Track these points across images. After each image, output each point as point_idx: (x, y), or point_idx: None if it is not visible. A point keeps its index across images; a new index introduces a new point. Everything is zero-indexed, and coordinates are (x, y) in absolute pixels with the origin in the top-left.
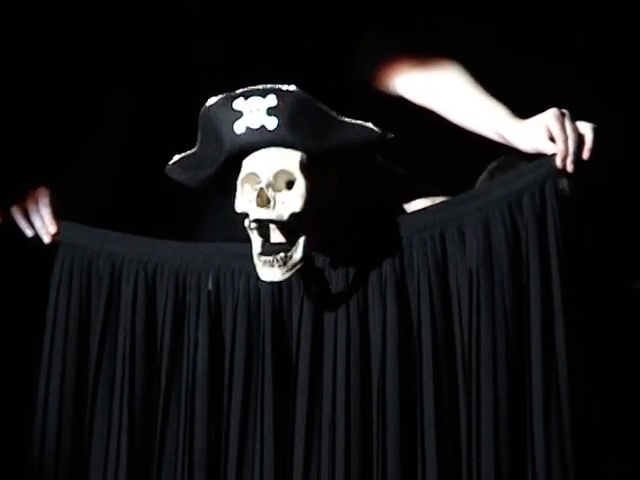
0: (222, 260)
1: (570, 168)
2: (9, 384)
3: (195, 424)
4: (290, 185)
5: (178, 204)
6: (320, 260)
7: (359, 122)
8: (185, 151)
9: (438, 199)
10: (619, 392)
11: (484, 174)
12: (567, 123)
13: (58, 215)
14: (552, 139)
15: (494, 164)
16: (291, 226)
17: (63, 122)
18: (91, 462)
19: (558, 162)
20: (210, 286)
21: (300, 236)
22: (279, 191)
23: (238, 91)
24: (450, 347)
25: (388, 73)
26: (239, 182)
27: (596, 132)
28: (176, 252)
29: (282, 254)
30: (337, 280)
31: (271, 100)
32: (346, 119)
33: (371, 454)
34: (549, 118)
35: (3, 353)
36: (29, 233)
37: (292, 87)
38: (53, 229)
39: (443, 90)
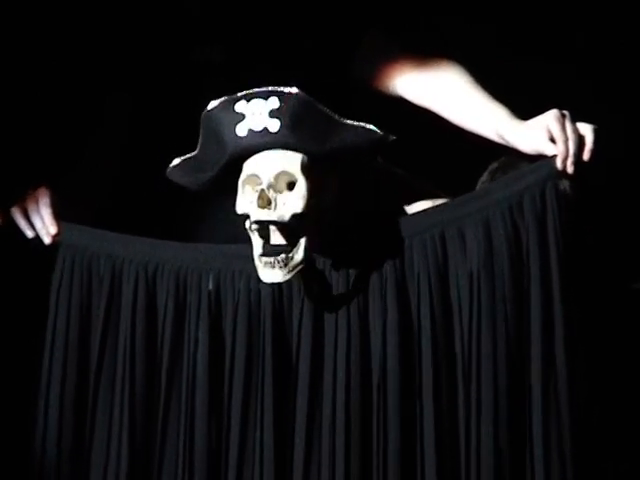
0: (223, 261)
1: (571, 169)
2: (10, 385)
3: (195, 424)
4: (291, 186)
5: (178, 204)
6: (321, 261)
7: (361, 124)
8: (185, 152)
9: (439, 200)
10: (619, 392)
11: (485, 175)
12: (567, 124)
13: (59, 216)
14: (552, 140)
15: (495, 165)
16: (292, 227)
17: (63, 122)
18: (92, 461)
19: (559, 163)
20: (210, 287)
21: (301, 237)
22: (280, 192)
23: (240, 94)
24: (450, 348)
25: (388, 73)
26: (240, 184)
27: (596, 133)
28: (176, 253)
29: (283, 255)
30: (337, 281)
31: (273, 102)
32: (348, 121)
33: (371, 455)
34: (549, 119)
35: (4, 354)
36: (29, 234)
37: (294, 89)
38: (54, 230)
39: (443, 91)
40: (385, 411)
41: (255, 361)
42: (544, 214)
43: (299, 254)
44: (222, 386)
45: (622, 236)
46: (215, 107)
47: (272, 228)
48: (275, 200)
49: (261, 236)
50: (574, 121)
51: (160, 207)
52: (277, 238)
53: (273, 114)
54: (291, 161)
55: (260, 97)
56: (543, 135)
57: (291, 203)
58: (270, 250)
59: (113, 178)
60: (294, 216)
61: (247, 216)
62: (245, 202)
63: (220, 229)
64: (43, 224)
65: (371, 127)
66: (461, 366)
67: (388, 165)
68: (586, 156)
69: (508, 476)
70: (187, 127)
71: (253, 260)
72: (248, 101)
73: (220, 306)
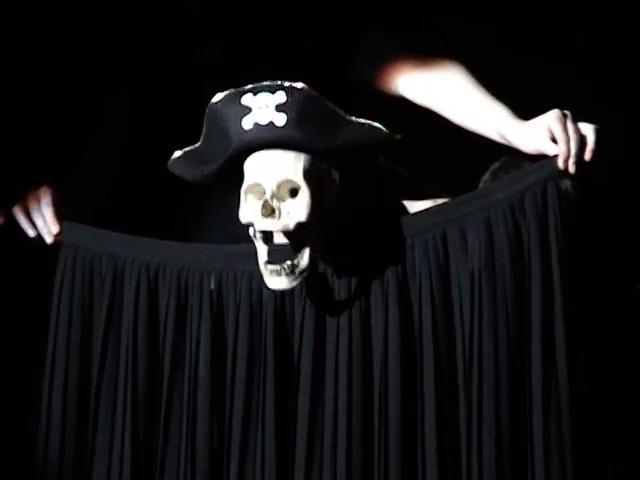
0: (224, 261)
1: (572, 169)
2: (12, 385)
3: (197, 424)
4: (294, 193)
5: (178, 204)
6: (322, 261)
7: (367, 122)
8: None
9: (440, 200)
10: (619, 392)
11: (487, 174)
12: (569, 124)
13: (60, 215)
14: (554, 140)
15: (497, 165)
16: (297, 235)
17: (63, 122)
18: (95, 461)
19: (560, 163)
20: (212, 287)
21: (306, 244)
22: (283, 200)
23: (247, 87)
24: (451, 348)
25: (389, 73)
26: (242, 192)
27: (598, 133)
28: (178, 253)
29: (289, 262)
30: (339, 281)
31: (280, 97)
32: (354, 118)
33: (372, 455)
34: (551, 119)
35: (6, 354)
36: (31, 233)
37: (301, 84)
38: (55, 229)
39: (445, 90)
40: (386, 411)
41: (257, 361)
42: (545, 214)
43: (304, 260)
44: (224, 386)
45: (623, 236)
46: (221, 100)
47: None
48: (279, 209)
49: (265, 241)
50: (575, 121)
51: (160, 207)
52: (280, 237)
53: (280, 108)
54: (293, 167)
55: (267, 91)
56: (545, 135)
57: (295, 212)
58: (275, 257)
59: (113, 178)
60: (298, 225)
61: (251, 224)
62: (249, 211)
63: (220, 229)
64: (45, 223)
65: (377, 125)
66: (462, 365)
67: (390, 164)
68: (587, 156)
69: (508, 476)
70: (187, 127)
71: (255, 259)
72: (255, 94)
73: (222, 306)
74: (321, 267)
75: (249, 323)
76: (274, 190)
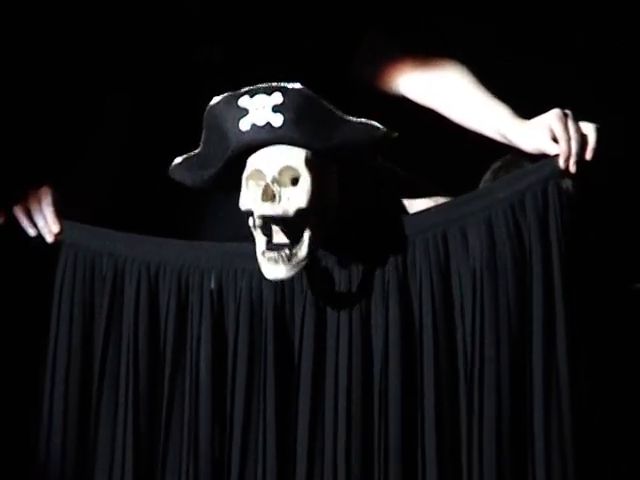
0: (225, 260)
1: (573, 169)
2: (13, 385)
3: (198, 423)
4: (295, 181)
5: (178, 204)
6: (323, 260)
7: (364, 121)
8: (185, 151)
9: (440, 200)
10: (620, 392)
11: (488, 174)
12: (570, 124)
13: (61, 214)
14: (555, 140)
15: (498, 164)
16: (296, 223)
17: (63, 122)
18: (97, 461)
19: (561, 162)
20: (213, 285)
21: (305, 233)
22: (284, 187)
23: (243, 89)
24: (452, 347)
25: (390, 73)
26: (244, 179)
27: (599, 132)
28: (178, 252)
29: (287, 250)
30: (340, 280)
31: (277, 98)
32: (351, 118)
33: (372, 454)
34: (552, 119)
35: (7, 354)
36: (32, 232)
37: (298, 85)
38: (56, 228)
39: (445, 90)
40: (387, 410)
41: (257, 359)
42: (546, 213)
43: (303, 250)
44: (224, 384)
45: (624, 235)
46: (218, 102)
47: (274, 228)
48: (279, 194)
49: (264, 234)
50: (576, 120)
51: (160, 207)
52: (280, 237)
53: (276, 109)
54: (295, 156)
55: (264, 92)
56: (545, 134)
57: (295, 198)
58: (273, 245)
59: (113, 178)
60: (298, 211)
61: (250, 213)
62: (249, 198)
63: (220, 228)
64: (45, 223)
65: (374, 124)
66: (463, 365)
67: (389, 164)
68: (588, 155)
69: (509, 475)
70: (187, 127)
71: (255, 258)
72: (252, 96)
73: (222, 304)
74: (322, 265)
75: (249, 321)
76: (275, 176)
